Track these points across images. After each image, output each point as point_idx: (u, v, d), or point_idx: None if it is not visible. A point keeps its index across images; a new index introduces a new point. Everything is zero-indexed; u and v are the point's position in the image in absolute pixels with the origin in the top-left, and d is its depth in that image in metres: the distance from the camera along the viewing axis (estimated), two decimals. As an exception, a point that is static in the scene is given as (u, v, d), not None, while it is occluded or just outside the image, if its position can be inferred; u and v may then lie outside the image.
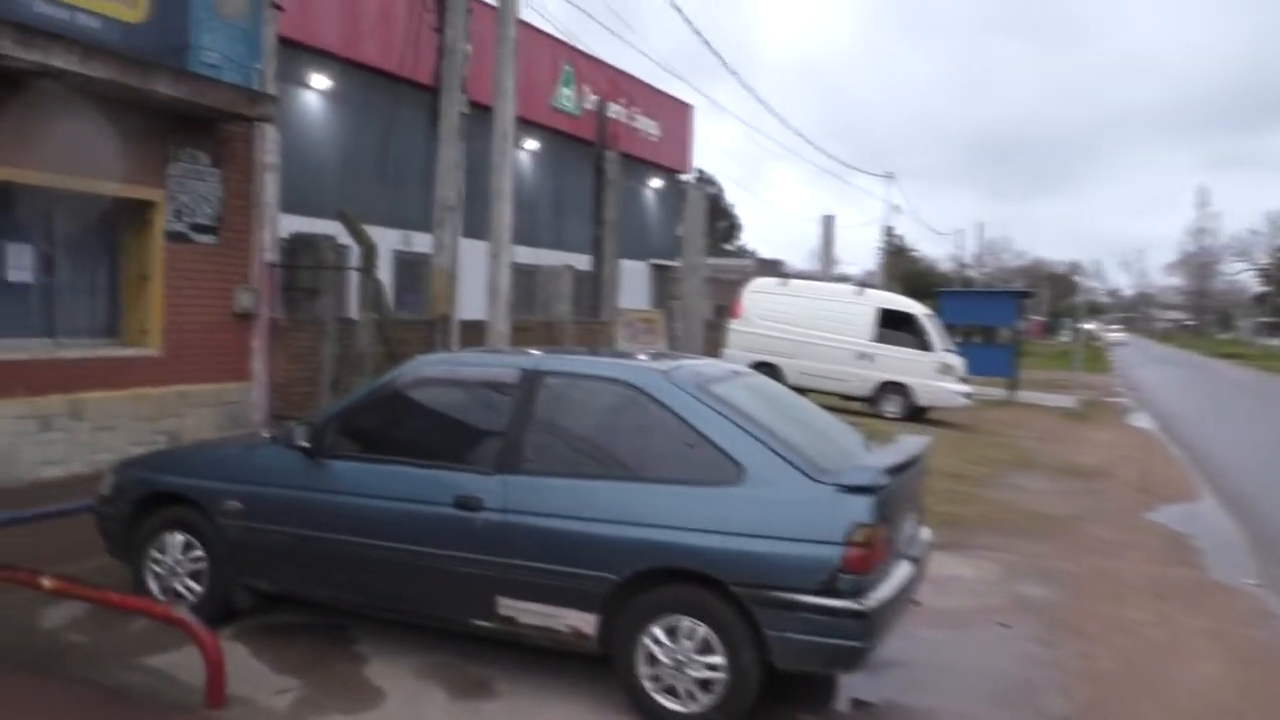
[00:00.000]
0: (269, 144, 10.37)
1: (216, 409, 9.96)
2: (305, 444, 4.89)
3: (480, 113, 11.84)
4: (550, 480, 4.43)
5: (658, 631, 4.18)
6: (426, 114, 11.80)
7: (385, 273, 17.90)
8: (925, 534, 5.18)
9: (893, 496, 4.24)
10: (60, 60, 7.72)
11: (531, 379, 4.68)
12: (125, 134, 8.93)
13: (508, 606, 4.44)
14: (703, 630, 4.11)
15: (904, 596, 4.39)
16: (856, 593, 3.92)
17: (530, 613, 4.41)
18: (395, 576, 4.67)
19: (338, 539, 4.75)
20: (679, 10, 35.52)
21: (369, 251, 10.63)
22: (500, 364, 4.95)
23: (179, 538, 5.20)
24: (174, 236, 9.52)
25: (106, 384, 8.95)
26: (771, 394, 5.20)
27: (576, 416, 4.65)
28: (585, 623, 4.31)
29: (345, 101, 18.73)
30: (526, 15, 23.91)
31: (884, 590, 4.10)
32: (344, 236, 11.52)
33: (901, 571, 4.41)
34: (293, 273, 11.08)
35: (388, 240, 16.47)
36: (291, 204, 13.68)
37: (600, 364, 4.84)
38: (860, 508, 3.97)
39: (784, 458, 4.19)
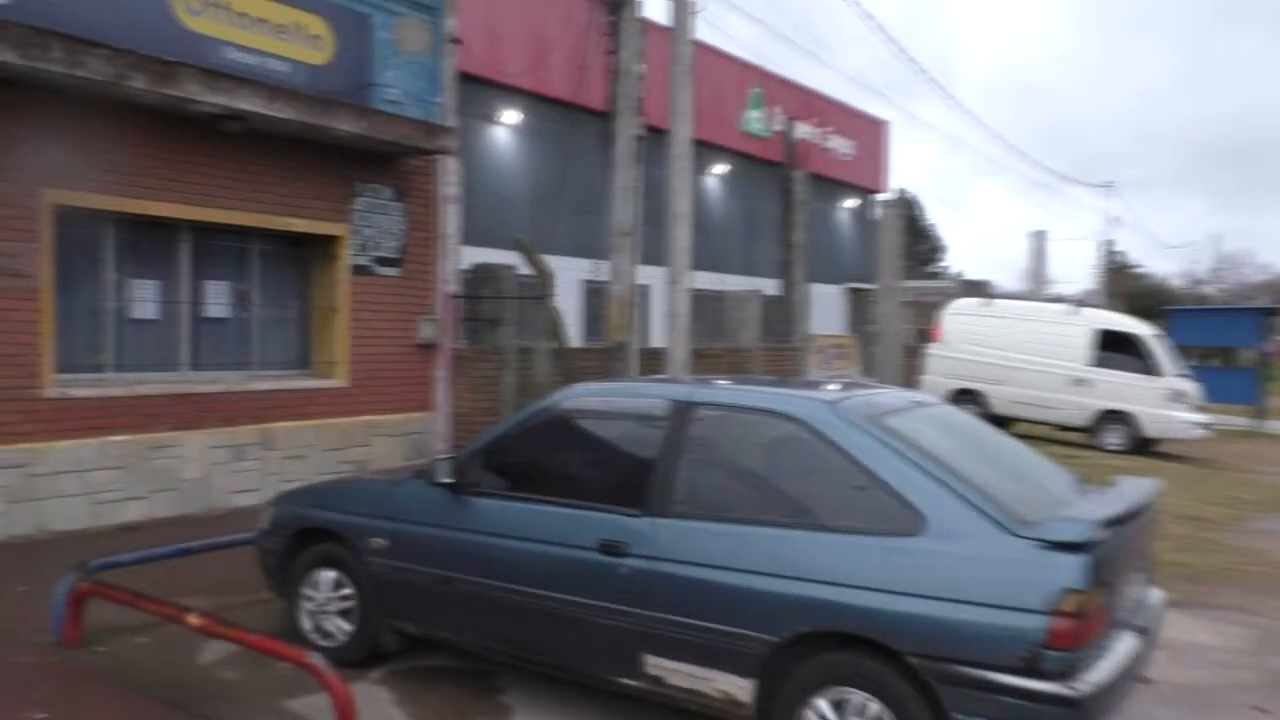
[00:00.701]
0: (449, 176, 10.47)
1: (401, 439, 10.07)
2: (448, 480, 4.62)
3: (661, 137, 11.60)
4: (702, 525, 3.95)
5: (823, 705, 3.60)
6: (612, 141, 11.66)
7: (572, 301, 17.99)
8: (1155, 596, 4.33)
9: (1113, 554, 3.49)
10: (246, 103, 7.99)
11: (682, 411, 4.22)
12: (311, 172, 9.20)
13: (655, 665, 3.98)
14: (875, 707, 3.49)
15: (1128, 676, 3.60)
16: (1066, 673, 3.21)
17: (679, 673, 3.92)
18: (537, 625, 4.30)
19: (478, 582, 4.44)
20: (872, 18, 34.42)
21: (546, 279, 10.52)
22: (649, 394, 4.52)
23: (329, 574, 5.06)
24: (359, 270, 9.72)
25: (296, 414, 9.19)
26: (962, 427, 4.52)
27: (731, 453, 4.15)
28: (739, 688, 3.78)
29: (525, 132, 19.05)
30: (715, 40, 23.76)
31: (1101, 670, 3.36)
32: (528, 266, 11.52)
33: (1125, 645, 3.64)
34: (474, 303, 11.14)
35: (575, 269, 16.51)
36: (473, 235, 13.91)
37: (758, 394, 4.32)
38: (1070, 569, 3.26)
39: (973, 505, 3.53)
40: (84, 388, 7.77)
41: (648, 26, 11.11)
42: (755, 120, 25.14)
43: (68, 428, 7.58)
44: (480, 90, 16.82)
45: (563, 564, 4.20)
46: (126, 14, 7.76)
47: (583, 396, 4.74)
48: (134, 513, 7.98)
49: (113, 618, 5.32)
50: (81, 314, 7.97)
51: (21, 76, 6.94)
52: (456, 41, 10.70)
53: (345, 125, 8.81)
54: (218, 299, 8.96)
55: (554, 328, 10.70)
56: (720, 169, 24.49)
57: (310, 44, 9.18)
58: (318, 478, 8.89)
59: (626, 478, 4.27)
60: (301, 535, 5.20)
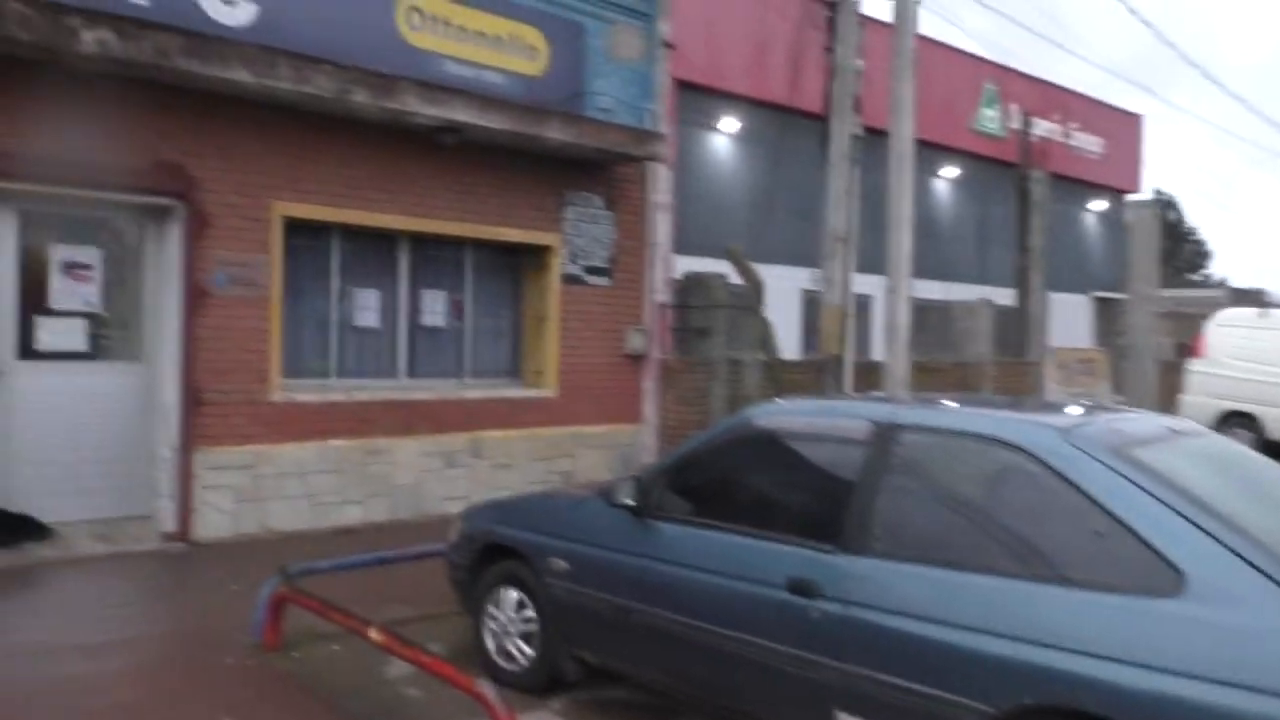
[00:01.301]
0: (660, 183, 10.28)
1: (608, 451, 9.95)
2: (628, 501, 4.32)
3: (882, 139, 10.93)
4: (904, 567, 3.42)
5: (1048, 794, 3.00)
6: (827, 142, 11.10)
7: (791, 312, 17.46)
8: None
9: None
10: (460, 114, 8.10)
11: (884, 434, 3.71)
12: (524, 181, 9.25)
13: (850, 725, 3.49)
14: (1118, 807, 2.86)
15: None
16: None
17: (877, 737, 3.42)
18: (719, 666, 3.91)
19: (657, 614, 4.10)
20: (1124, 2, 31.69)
21: (756, 289, 10.13)
22: (847, 414, 4.03)
23: (513, 594, 4.88)
24: (569, 279, 9.69)
25: (505, 423, 9.25)
26: (1232, 461, 3.74)
27: (942, 485, 3.59)
28: (948, 764, 3.23)
29: (739, 137, 18.65)
30: (945, 34, 22.51)
31: None
32: (738, 275, 11.15)
33: None
34: (683, 313, 10.90)
35: (794, 278, 15.98)
36: (687, 244, 13.68)
37: (975, 416, 3.73)
38: (1387, 655, 2.52)
39: (1249, 561, 2.84)
40: (307, 393, 8.10)
41: (867, 23, 10.48)
42: (989, 119, 23.63)
43: (292, 431, 7.92)
44: (692, 95, 16.63)
45: (747, 602, 3.78)
46: (353, 31, 8.04)
47: (774, 415, 4.31)
48: (351, 516, 8.24)
49: (314, 623, 5.38)
50: (307, 322, 8.33)
51: (252, 94, 7.30)
52: (669, 46, 10.51)
53: (555, 134, 8.79)
54: (433, 308, 9.16)
55: (764, 339, 10.28)
56: (950, 171, 23.18)
57: (526, 55, 9.24)
58: (526, 488, 8.94)
59: (820, 508, 3.81)
60: (487, 551, 5.06)
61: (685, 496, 4.27)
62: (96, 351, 7.43)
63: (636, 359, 10.21)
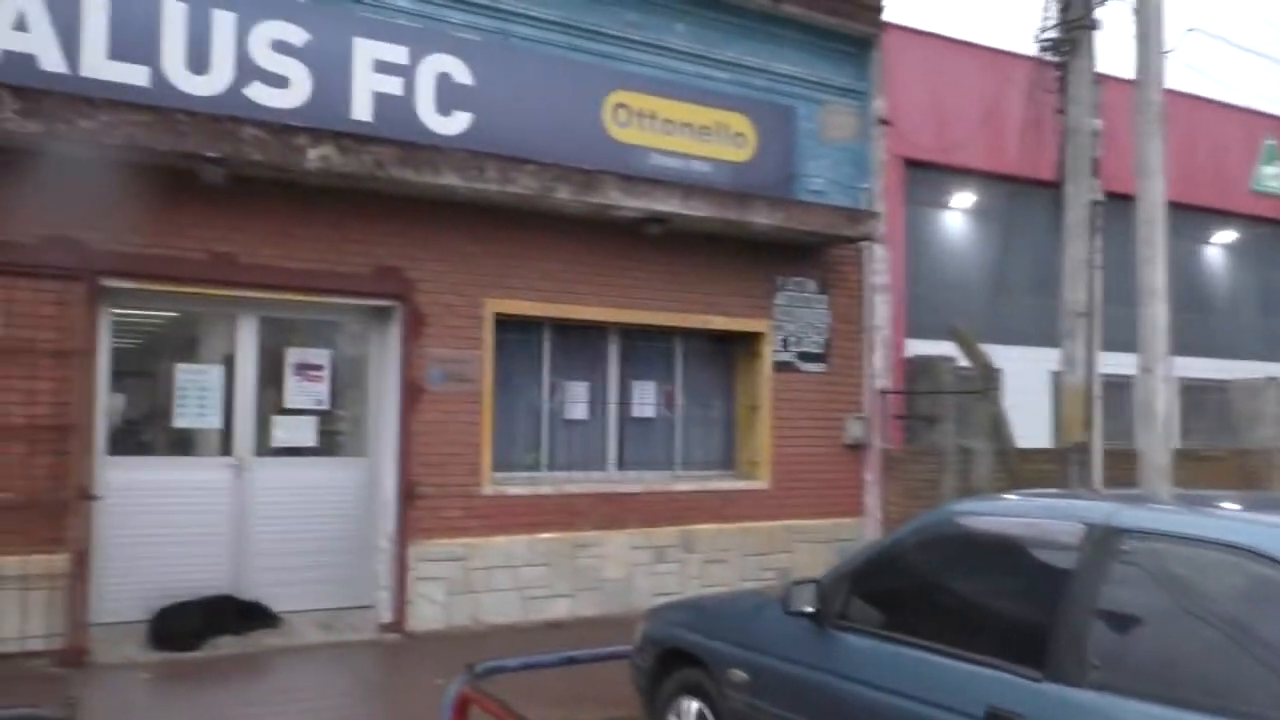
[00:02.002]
0: (877, 264, 9.83)
1: (826, 545, 9.39)
2: (809, 609, 3.88)
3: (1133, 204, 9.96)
4: (1129, 705, 2.80)
5: None
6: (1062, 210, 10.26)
7: (1038, 396, 16.13)
8: None
9: None
10: (663, 204, 8.09)
11: (1101, 540, 3.10)
12: (731, 268, 9.09)
13: None
14: None
15: None
16: None
17: None
18: (911, 808, 3.36)
19: (841, 741, 3.62)
20: None
21: (986, 372, 9.36)
22: (1056, 514, 3.43)
23: (694, 705, 4.51)
24: (781, 366, 9.36)
25: (716, 516, 8.94)
26: None
27: (1175, 604, 2.94)
28: None
29: (968, 212, 17.65)
30: (1208, 88, 20.61)
31: None
32: (965, 358, 10.38)
33: None
34: (909, 399, 10.23)
35: (1038, 359, 14.78)
36: (915, 326, 12.95)
37: (1219, 520, 3.05)
38: None
39: None
40: (517, 486, 8.17)
41: (1108, 81, 9.66)
42: (1270, 177, 21.25)
43: (502, 524, 7.98)
44: (918, 172, 16.00)
45: (940, 733, 3.24)
46: (562, 131, 8.28)
47: (971, 515, 3.75)
48: (560, 610, 8.15)
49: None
50: (517, 415, 8.46)
51: (462, 196, 7.61)
52: (885, 124, 10.14)
53: (762, 218, 8.60)
54: (643, 399, 9.08)
55: (997, 425, 9.44)
56: (1225, 236, 20.93)
57: (732, 142, 9.19)
58: (739, 584, 8.56)
59: (1023, 626, 3.22)
60: (669, 656, 4.74)
61: (872, 604, 3.79)
62: (325, 447, 7.85)
63: (856, 448, 9.65)
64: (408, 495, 7.63)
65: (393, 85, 7.70)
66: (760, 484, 9.20)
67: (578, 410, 8.74)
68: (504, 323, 8.21)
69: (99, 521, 6.73)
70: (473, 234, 7.92)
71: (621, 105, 8.67)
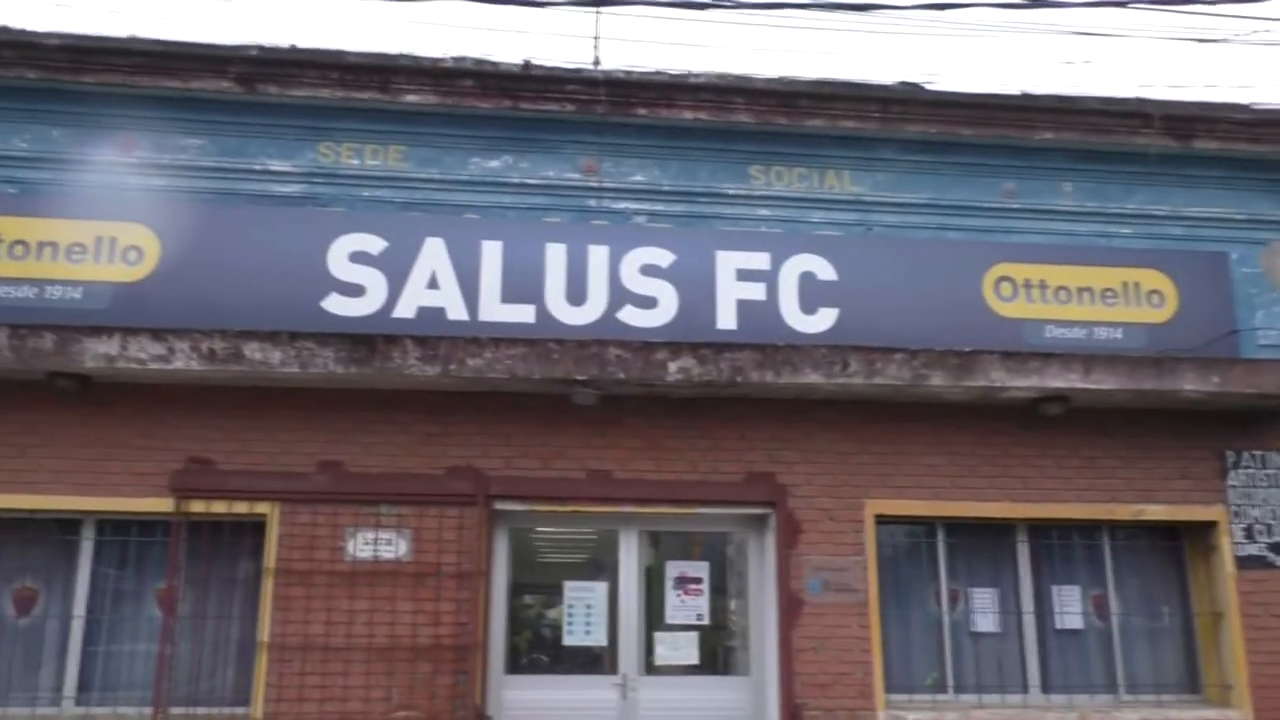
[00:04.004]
0: (1372, 426, 7.79)
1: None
2: None
3: None
4: None
5: None
6: None
7: None
8: None
9: None
10: (1058, 380, 7.16)
11: None
12: (1159, 446, 7.72)
13: None
14: None
15: None
16: None
17: None
18: None
19: None
20: None
21: None
22: None
23: None
24: (1248, 562, 7.59)
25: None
26: None
27: None
28: None
29: None
30: None
31: None
32: None
33: None
34: None
35: None
36: None
37: None
38: None
39: None
40: (918, 711, 7.21)
41: None
42: None
43: (903, 755, 7.02)
44: None
45: None
46: (935, 315, 7.75)
47: None
48: None
49: None
50: (912, 629, 7.59)
51: (827, 394, 7.26)
52: (1358, 253, 8.30)
53: (1192, 385, 7.24)
54: (1067, 607, 7.75)
55: None
56: None
57: (1146, 301, 8.02)
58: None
59: None
60: None
61: None
62: (706, 664, 7.54)
63: (1378, 668, 7.39)
64: (792, 719, 7.02)
65: (755, 291, 7.71)
66: (1235, 713, 7.31)
67: (986, 621, 7.65)
68: (888, 524, 7.54)
69: (493, 741, 6.92)
70: (844, 432, 7.48)
71: (1005, 278, 7.94)
